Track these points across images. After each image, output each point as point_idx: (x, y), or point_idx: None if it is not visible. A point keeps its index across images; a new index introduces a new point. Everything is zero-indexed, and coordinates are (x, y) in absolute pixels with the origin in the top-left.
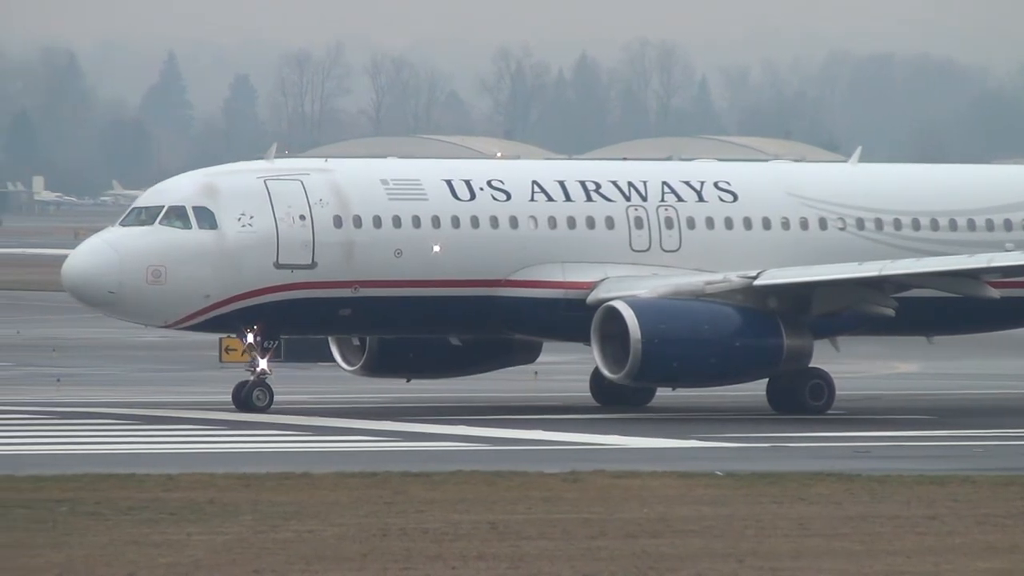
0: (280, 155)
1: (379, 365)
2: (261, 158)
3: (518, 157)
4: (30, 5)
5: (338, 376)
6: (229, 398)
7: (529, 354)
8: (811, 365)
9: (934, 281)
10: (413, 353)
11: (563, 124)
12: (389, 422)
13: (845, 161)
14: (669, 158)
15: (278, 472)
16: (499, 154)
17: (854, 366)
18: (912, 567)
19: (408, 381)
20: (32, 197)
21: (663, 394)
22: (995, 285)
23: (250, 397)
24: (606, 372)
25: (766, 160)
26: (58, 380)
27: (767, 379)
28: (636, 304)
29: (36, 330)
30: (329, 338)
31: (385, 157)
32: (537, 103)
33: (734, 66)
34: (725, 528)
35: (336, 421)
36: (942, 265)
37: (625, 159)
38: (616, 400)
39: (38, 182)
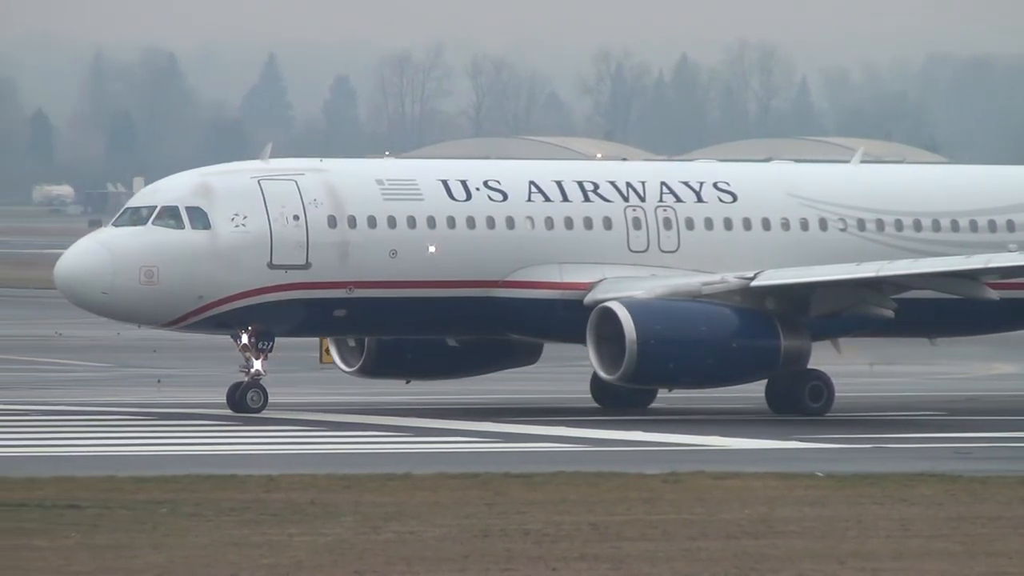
0: (381, 156)
1: (378, 366)
2: (367, 155)
3: (618, 158)
4: (130, 7)
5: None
6: (331, 399)
7: (530, 356)
8: (809, 366)
9: (932, 282)
10: (412, 354)
11: (663, 125)
12: (490, 423)
13: (946, 163)
14: (769, 159)
15: (379, 473)
16: (599, 155)
17: (953, 367)
18: (1014, 568)
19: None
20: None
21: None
22: (1004, 287)
23: (244, 398)
24: (602, 373)
25: (866, 162)
26: (158, 381)
27: (766, 380)
28: (632, 305)
29: (136, 331)
30: (328, 339)
31: (486, 158)
32: (637, 104)
33: (834, 67)
34: (826, 529)
35: (436, 422)
36: (939, 266)
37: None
38: (617, 402)
39: (138, 183)
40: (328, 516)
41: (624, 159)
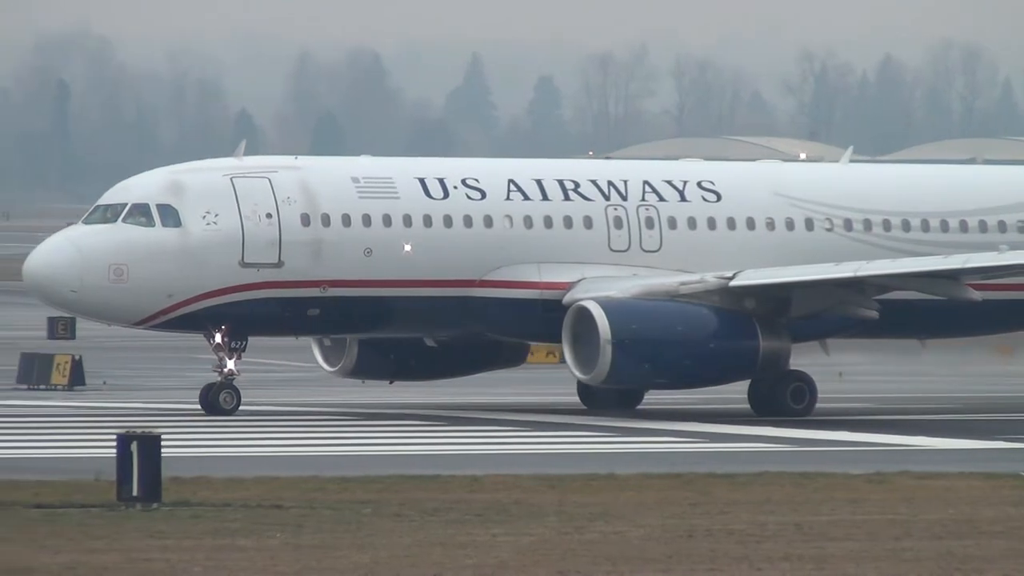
0: (585, 156)
1: (360, 367)
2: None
3: (821, 158)
4: (336, 7)
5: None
6: (537, 399)
7: (516, 357)
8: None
9: (912, 283)
10: (395, 355)
11: (866, 125)
12: (694, 423)
13: None
14: (973, 160)
15: (583, 473)
16: (803, 155)
17: None
18: None
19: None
20: None
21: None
22: (1002, 288)
23: (217, 399)
24: (577, 373)
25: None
26: (363, 382)
27: (748, 382)
28: (607, 304)
29: None
30: (312, 339)
31: (688, 158)
32: (841, 104)
33: None
34: None
35: (640, 422)
36: (916, 266)
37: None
38: (604, 403)
39: None
40: (532, 516)
41: (822, 158)
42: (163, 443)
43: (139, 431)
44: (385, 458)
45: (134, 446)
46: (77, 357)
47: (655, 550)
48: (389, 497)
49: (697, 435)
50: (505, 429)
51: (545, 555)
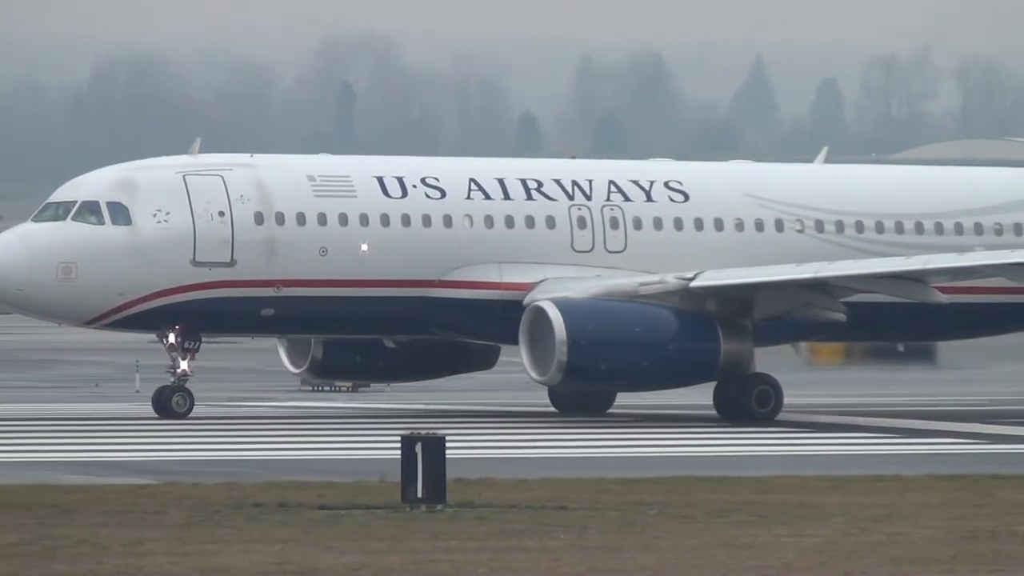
0: (867, 158)
1: (325, 368)
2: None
3: None
4: (618, 9)
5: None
6: (818, 400)
7: (487, 360)
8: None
9: (877, 284)
10: (361, 356)
11: None
12: (978, 424)
13: None
14: None
15: (868, 474)
16: None
17: None
18: None
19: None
20: None
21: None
22: (982, 291)
23: (170, 402)
24: (533, 375)
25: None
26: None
27: (713, 384)
28: (563, 304)
29: None
30: (277, 340)
31: (970, 161)
32: None
33: None
34: None
35: (924, 423)
36: (878, 267)
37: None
38: (576, 407)
39: None
40: (817, 518)
41: None
42: (447, 444)
43: (423, 432)
44: (670, 459)
45: (418, 447)
46: None
47: (939, 551)
48: (675, 498)
49: (981, 436)
50: (789, 430)
51: (830, 556)
